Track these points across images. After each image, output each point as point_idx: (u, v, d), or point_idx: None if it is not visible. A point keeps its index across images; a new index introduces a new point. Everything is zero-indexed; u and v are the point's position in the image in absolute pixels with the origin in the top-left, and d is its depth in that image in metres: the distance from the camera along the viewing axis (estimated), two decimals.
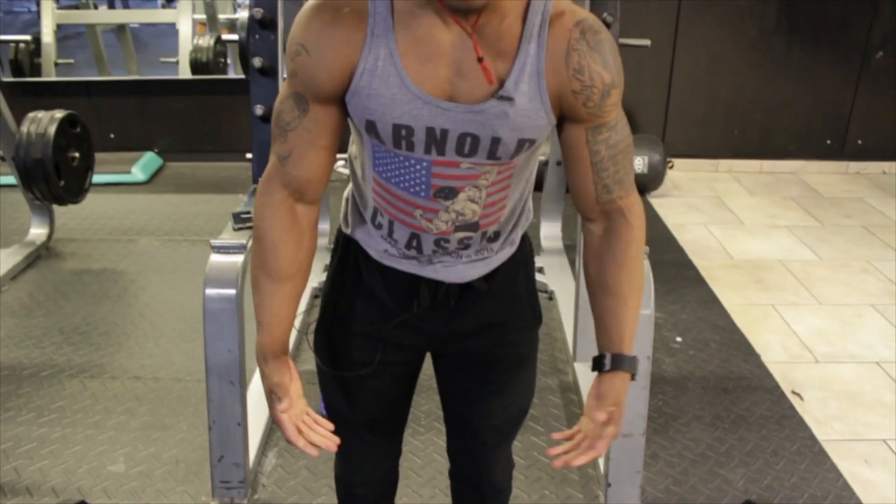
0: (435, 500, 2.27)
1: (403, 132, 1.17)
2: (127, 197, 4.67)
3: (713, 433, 2.61)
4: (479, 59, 1.14)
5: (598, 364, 1.30)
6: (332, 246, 1.47)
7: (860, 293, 3.63)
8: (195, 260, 3.65)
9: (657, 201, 4.70)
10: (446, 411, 1.60)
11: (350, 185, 1.40)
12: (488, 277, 1.37)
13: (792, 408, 2.76)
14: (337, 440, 1.32)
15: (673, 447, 2.53)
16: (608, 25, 2.60)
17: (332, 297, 1.44)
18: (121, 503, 2.24)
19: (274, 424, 2.54)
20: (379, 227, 1.33)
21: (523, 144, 1.19)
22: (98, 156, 3.97)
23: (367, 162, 1.28)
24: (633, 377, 1.29)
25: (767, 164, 5.31)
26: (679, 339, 3.18)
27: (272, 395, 1.30)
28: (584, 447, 1.28)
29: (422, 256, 1.32)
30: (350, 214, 1.39)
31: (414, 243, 1.30)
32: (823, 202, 4.79)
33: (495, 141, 1.17)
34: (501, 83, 1.15)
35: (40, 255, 3.84)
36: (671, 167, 4.84)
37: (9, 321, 3.24)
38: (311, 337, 1.49)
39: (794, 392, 2.86)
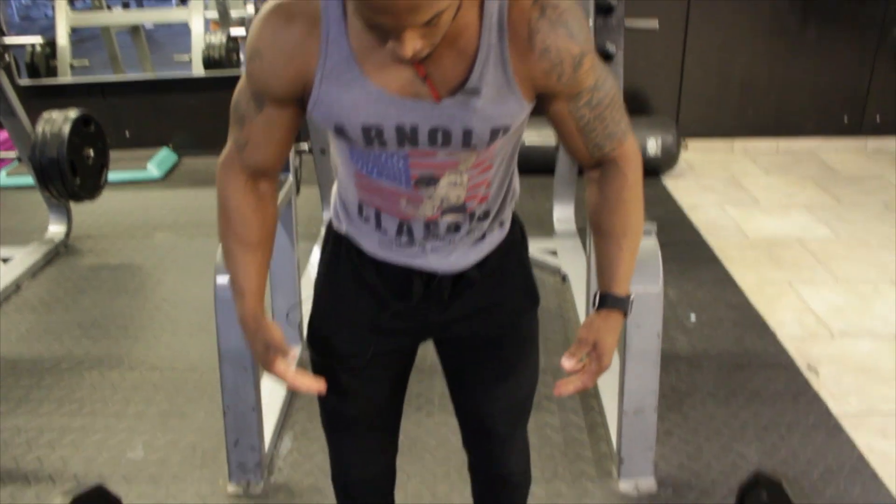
0: (449, 479, 2.29)
1: (373, 132, 1.17)
2: (143, 193, 4.72)
3: (727, 409, 2.60)
4: (424, 79, 1.13)
5: (591, 302, 1.34)
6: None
7: (878, 269, 3.59)
8: (210, 253, 3.66)
9: (671, 182, 4.67)
10: (455, 403, 1.59)
11: (336, 182, 1.41)
12: (480, 265, 1.37)
13: (807, 383, 2.74)
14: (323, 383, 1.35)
15: (687, 424, 2.53)
16: (612, 8, 2.57)
17: (325, 291, 1.45)
18: (140, 489, 2.28)
19: (289, 409, 2.60)
20: (367, 219, 1.33)
21: (497, 133, 1.18)
22: (114, 153, 4.01)
23: (345, 158, 1.29)
24: (625, 315, 1.31)
25: (783, 144, 5.26)
26: (693, 317, 3.17)
27: (268, 354, 1.32)
28: (572, 378, 1.31)
29: (414, 243, 1.32)
30: (339, 210, 1.40)
31: (404, 230, 1.31)
32: (841, 180, 4.74)
33: (467, 133, 1.17)
34: (467, 77, 1.13)
35: (59, 252, 3.90)
36: (685, 148, 4.81)
37: (29, 317, 3.29)
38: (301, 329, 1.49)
39: (809, 367, 2.84)
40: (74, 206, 4.03)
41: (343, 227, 1.39)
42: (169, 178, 4.99)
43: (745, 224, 4.12)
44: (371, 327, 1.41)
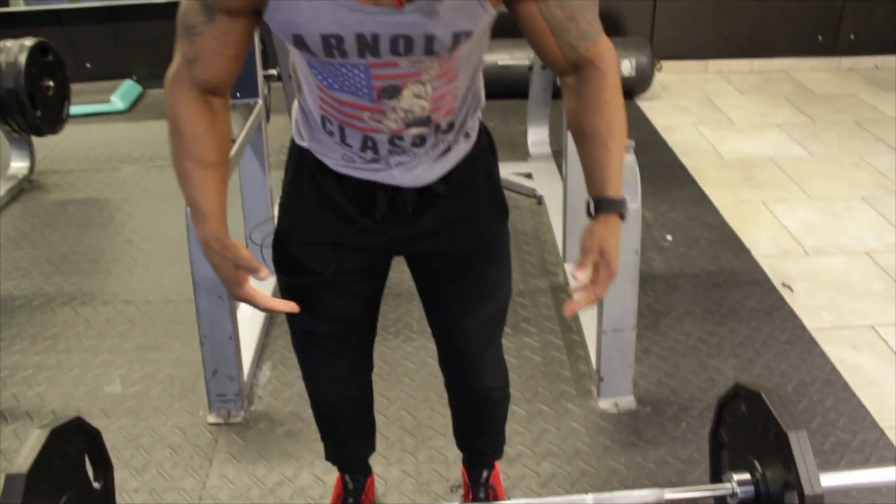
0: (429, 403, 2.30)
1: (333, 41, 1.12)
2: (108, 126, 4.60)
3: (704, 327, 2.63)
4: None
5: (586, 210, 1.29)
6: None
7: (851, 187, 3.61)
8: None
9: (646, 104, 4.63)
10: (430, 322, 1.58)
11: (297, 97, 1.36)
12: (446, 178, 1.34)
13: (782, 300, 2.77)
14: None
15: (664, 341, 2.55)
16: None
17: (289, 208, 1.42)
18: (120, 422, 2.27)
19: (267, 338, 2.58)
20: (331, 134, 1.29)
21: (459, 37, 1.14)
22: (75, 86, 3.88)
23: (306, 71, 1.24)
24: (622, 217, 1.28)
25: (758, 63, 5.22)
26: (669, 237, 3.18)
27: (238, 276, 1.28)
28: (583, 293, 1.27)
29: (379, 158, 1.29)
30: (301, 125, 1.36)
31: (369, 144, 1.27)
32: (815, 99, 4.73)
33: (429, 38, 1.12)
34: None
35: (23, 188, 3.80)
36: (659, 69, 4.75)
37: None
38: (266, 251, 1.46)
39: (784, 284, 2.87)
40: (37, 141, 3.91)
41: (305, 142, 1.35)
42: (134, 110, 4.85)
43: (720, 144, 4.10)
44: (336, 244, 1.39)
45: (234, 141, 2.22)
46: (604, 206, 1.26)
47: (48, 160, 4.09)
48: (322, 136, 1.31)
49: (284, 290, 1.47)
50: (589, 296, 1.26)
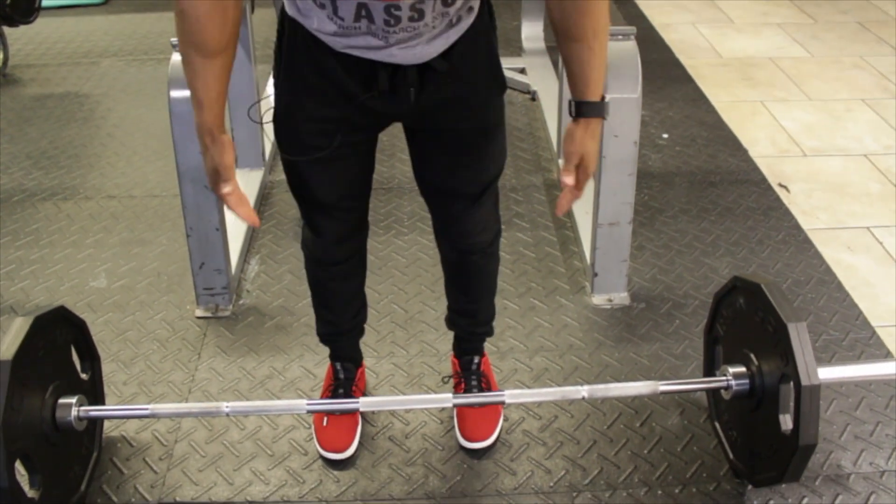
0: (420, 297, 2.27)
1: None
2: (84, 19, 4.42)
3: (699, 224, 2.59)
4: None
5: (569, 111, 1.34)
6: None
7: (851, 88, 3.54)
8: (162, 78, 3.49)
9: (643, 1, 4.48)
10: (422, 184, 1.56)
11: None
12: (446, 54, 1.30)
13: (778, 199, 2.73)
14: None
15: (659, 238, 2.52)
16: None
17: (288, 87, 1.38)
18: (106, 316, 2.23)
19: (254, 232, 2.54)
20: (322, 6, 1.22)
21: None
22: None
23: None
24: (604, 118, 1.34)
25: None
26: (666, 135, 3.11)
27: (217, 175, 1.31)
28: (565, 192, 1.38)
29: (375, 30, 1.22)
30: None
31: (363, 13, 1.20)
32: None
33: None
34: None
35: None
36: None
37: None
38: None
39: (780, 185, 2.82)
40: (10, 32, 3.76)
41: (299, 15, 1.28)
42: (111, 3, 4.66)
43: (718, 43, 3.99)
44: (337, 120, 1.37)
45: None
46: (585, 110, 1.31)
47: (23, 53, 3.95)
48: (314, 7, 1.23)
49: (288, 166, 1.49)
50: (569, 196, 1.38)
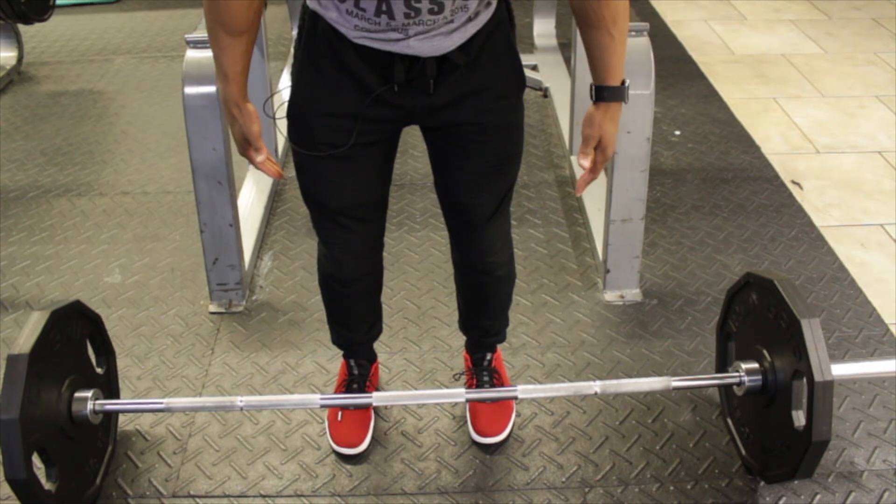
0: (432, 293, 2.28)
1: None
2: (98, 17, 4.44)
3: (711, 221, 2.59)
4: None
5: (590, 94, 1.36)
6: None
7: (865, 85, 3.52)
8: (175, 75, 3.53)
9: None
10: (440, 195, 1.56)
11: None
12: (464, 47, 1.30)
13: (791, 196, 2.72)
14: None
15: (671, 235, 2.52)
16: None
17: (305, 79, 1.39)
18: (120, 311, 2.25)
19: (268, 228, 2.55)
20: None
21: None
22: None
23: None
24: (624, 102, 1.36)
25: None
26: (678, 132, 3.11)
27: (247, 143, 1.40)
28: (583, 175, 1.40)
29: (395, 25, 1.23)
30: None
31: (384, 8, 1.21)
32: None
33: None
34: None
35: (12, 80, 3.69)
36: None
37: None
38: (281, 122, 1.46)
39: (793, 181, 2.81)
40: (25, 31, 3.79)
41: (319, 8, 1.29)
42: (123, 0, 4.68)
43: (731, 40, 3.98)
44: (353, 114, 1.37)
45: None
46: (605, 94, 1.34)
47: (37, 51, 3.97)
48: (336, 2, 1.24)
49: (300, 163, 1.48)
50: (587, 178, 1.40)
